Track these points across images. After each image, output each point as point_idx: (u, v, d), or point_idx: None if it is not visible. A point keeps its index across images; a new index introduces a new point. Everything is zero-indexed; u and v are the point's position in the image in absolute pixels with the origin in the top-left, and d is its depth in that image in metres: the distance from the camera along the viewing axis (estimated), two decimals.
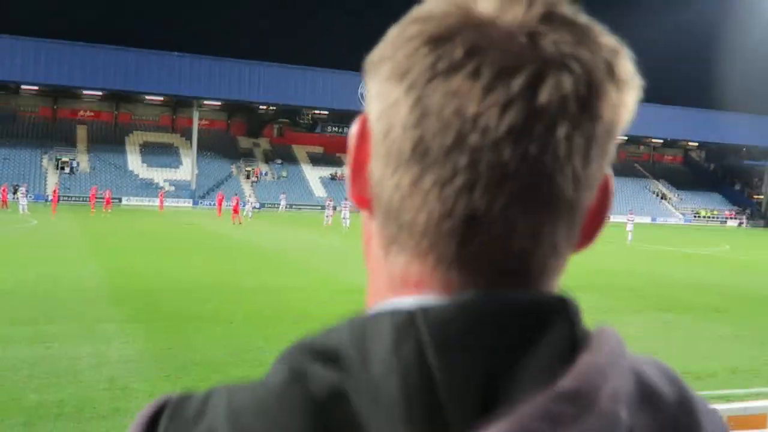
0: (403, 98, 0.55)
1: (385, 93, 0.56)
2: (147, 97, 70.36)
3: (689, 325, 13.83)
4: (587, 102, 0.54)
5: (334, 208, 46.42)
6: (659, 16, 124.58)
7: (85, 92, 68.25)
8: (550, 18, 0.55)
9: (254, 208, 49.89)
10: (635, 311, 15.16)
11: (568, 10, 0.57)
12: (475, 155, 0.52)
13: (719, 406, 6.49)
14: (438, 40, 0.54)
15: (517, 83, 0.52)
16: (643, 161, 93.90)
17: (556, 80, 0.53)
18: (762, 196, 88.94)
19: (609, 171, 0.64)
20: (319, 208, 62.49)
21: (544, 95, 0.52)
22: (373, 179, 0.59)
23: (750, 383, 9.55)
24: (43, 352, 9.27)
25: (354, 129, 0.63)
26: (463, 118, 0.52)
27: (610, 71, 0.56)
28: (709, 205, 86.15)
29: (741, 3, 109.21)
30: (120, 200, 59.73)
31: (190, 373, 8.52)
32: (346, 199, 47.59)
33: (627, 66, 0.58)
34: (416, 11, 0.58)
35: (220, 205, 50.38)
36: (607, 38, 0.58)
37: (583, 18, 0.58)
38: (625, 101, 0.58)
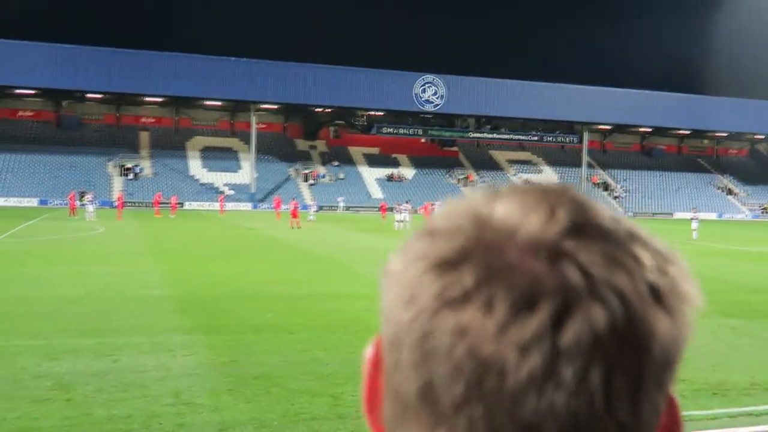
0: (407, 330, 0.49)
1: (394, 318, 0.50)
2: (206, 102, 71.72)
3: (757, 331, 13.40)
4: (629, 338, 0.46)
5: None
6: (715, 7, 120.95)
7: (146, 98, 69.97)
8: (579, 230, 0.49)
9: (315, 210, 50.34)
10: (701, 316, 14.71)
11: (600, 215, 0.52)
12: (492, 407, 0.45)
13: None
14: (446, 265, 0.48)
15: (538, 319, 0.45)
16: (707, 155, 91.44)
17: (585, 314, 0.46)
18: None
19: (672, 393, 0.55)
20: (375, 210, 62.58)
21: (570, 333, 0.45)
22: (386, 422, 0.53)
23: None
24: (110, 365, 9.53)
25: (367, 353, 0.55)
26: (476, 360, 0.45)
27: (657, 296, 0.49)
28: None
29: None
30: (182, 204, 61.04)
31: (252, 386, 8.65)
32: (407, 202, 47.65)
33: (678, 286, 0.51)
34: (430, 220, 0.53)
35: (278, 208, 51.05)
36: (650, 252, 0.51)
37: (621, 223, 0.52)
38: (681, 325, 0.51)
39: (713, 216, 73.63)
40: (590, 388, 0.45)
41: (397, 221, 40.35)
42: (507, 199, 0.52)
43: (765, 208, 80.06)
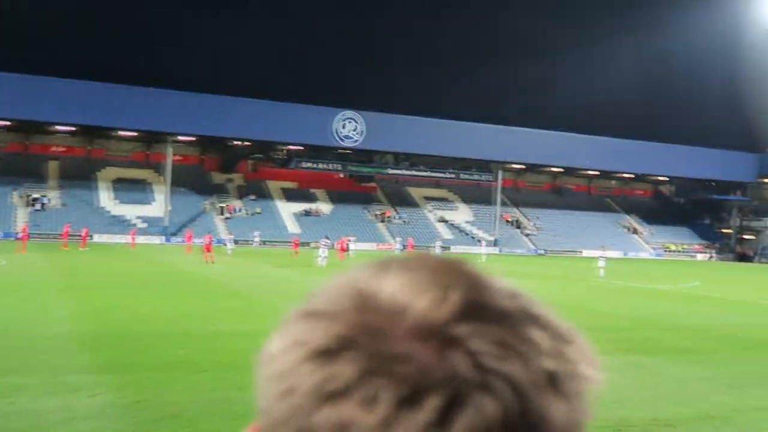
0: (284, 424, 0.45)
1: (270, 409, 0.47)
2: (120, 132, 70.06)
3: (660, 368, 13.93)
4: (523, 429, 0.44)
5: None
6: (626, 52, 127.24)
7: (57, 127, 67.82)
8: (472, 312, 0.46)
9: (231, 246, 49.26)
10: (605, 353, 15.19)
11: (496, 293, 0.49)
12: None
13: None
14: (326, 354, 0.45)
15: (424, 414, 0.42)
16: (614, 195, 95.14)
17: (475, 408, 0.43)
18: (730, 230, 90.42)
19: None
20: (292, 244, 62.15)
21: (459, 429, 0.42)
22: None
23: (720, 431, 9.62)
24: (7, 407, 9.09)
25: None
26: None
27: (553, 383, 0.47)
28: (678, 239, 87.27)
29: (711, 39, 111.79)
30: (91, 236, 59.07)
31: (160, 427, 8.41)
32: (327, 237, 47.58)
33: (577, 369, 0.49)
34: (311, 298, 0.50)
35: (189, 242, 50.03)
36: (548, 333, 0.49)
37: (518, 301, 0.50)
38: (580, 408, 0.49)
39: (619, 254, 76.45)
40: None
41: (320, 257, 40.26)
42: (396, 276, 0.48)
43: (667, 247, 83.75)
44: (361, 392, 0.42)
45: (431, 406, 0.42)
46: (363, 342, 0.44)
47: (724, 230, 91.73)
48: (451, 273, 0.49)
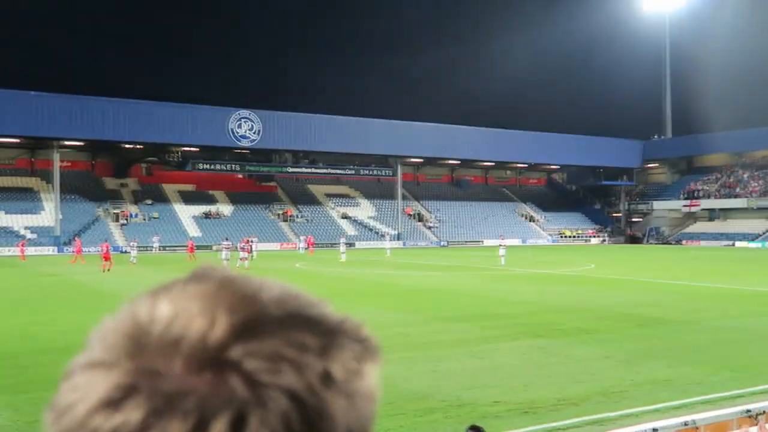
0: None
1: None
2: (1, 139, 66.50)
3: (562, 349, 14.45)
4: (307, 429, 0.48)
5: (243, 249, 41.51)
6: (520, 44, 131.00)
7: None
8: (242, 332, 0.49)
9: (135, 252, 47.06)
10: (511, 338, 15.69)
11: (264, 302, 0.52)
12: None
13: None
14: (111, 405, 0.46)
15: None
16: (510, 185, 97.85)
17: (258, 424, 0.46)
18: (620, 214, 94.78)
19: None
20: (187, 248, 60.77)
21: None
22: None
23: (619, 405, 10.09)
24: None
25: None
26: None
27: (328, 383, 0.50)
28: (573, 224, 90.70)
29: (599, 31, 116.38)
30: None
31: None
32: (226, 239, 46.70)
33: (349, 363, 0.52)
34: (89, 346, 0.51)
35: (78, 252, 47.54)
36: (317, 334, 0.52)
37: (286, 305, 0.52)
38: (362, 397, 0.52)
39: (518, 242, 78.70)
40: None
41: (223, 260, 39.05)
42: (167, 305, 0.50)
43: (562, 233, 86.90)
44: (154, 430, 0.44)
45: (218, 429, 0.45)
46: (143, 386, 0.46)
47: (615, 214, 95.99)
48: (219, 293, 0.51)
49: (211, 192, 76.02)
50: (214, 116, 67.46)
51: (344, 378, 0.51)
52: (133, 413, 0.45)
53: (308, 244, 60.36)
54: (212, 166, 73.06)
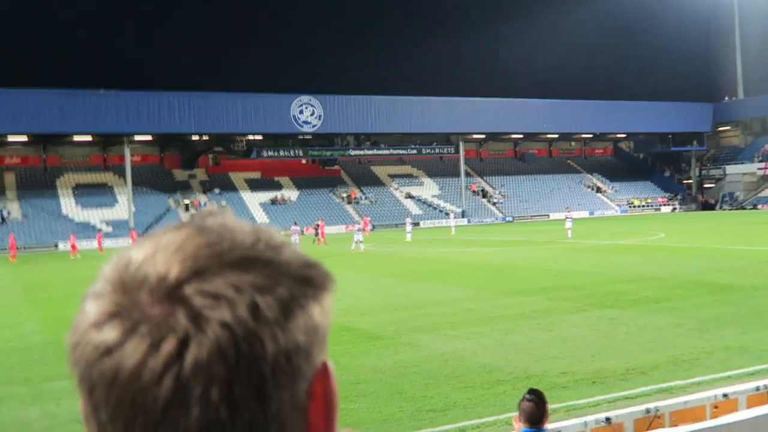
0: (82, 379, 0.64)
1: (78, 372, 0.65)
2: (75, 138, 68.90)
3: (631, 319, 14.29)
4: (239, 357, 0.60)
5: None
6: (575, 8, 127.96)
7: (10, 138, 66.48)
8: (197, 271, 0.62)
9: None
10: (579, 310, 15.58)
11: (225, 246, 0.65)
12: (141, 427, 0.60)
13: (662, 403, 6.81)
14: (99, 325, 0.62)
15: (164, 353, 0.59)
16: (576, 156, 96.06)
17: (197, 347, 0.59)
18: (691, 180, 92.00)
19: (325, 362, 0.69)
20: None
21: (189, 362, 0.59)
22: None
23: (690, 374, 9.96)
24: None
25: None
26: (129, 393, 0.60)
27: (258, 316, 0.61)
28: (642, 193, 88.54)
29: None
30: (56, 245, 58.27)
31: None
32: (295, 224, 47.47)
33: (285, 300, 0.64)
34: (97, 279, 0.67)
35: (74, 248, 47.35)
36: (259, 274, 0.64)
37: (242, 248, 0.65)
38: (293, 328, 0.64)
39: (585, 214, 77.38)
40: (214, 402, 0.59)
41: (355, 242, 38.28)
42: (145, 249, 0.65)
43: (631, 203, 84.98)
44: (125, 346, 0.60)
45: (167, 348, 0.59)
46: (120, 313, 0.62)
47: (686, 181, 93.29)
48: (189, 240, 0.65)
49: (276, 178, 77.16)
50: (276, 103, 68.34)
51: (273, 312, 0.62)
52: (110, 333, 0.61)
53: (364, 224, 55.77)
54: (277, 153, 74.11)
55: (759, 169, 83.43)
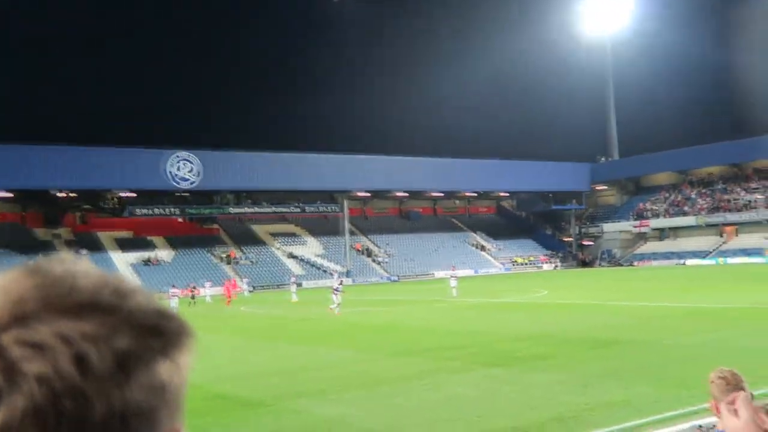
0: None
1: None
2: None
3: (517, 377, 14.56)
4: (58, 415, 0.53)
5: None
6: (464, 68, 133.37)
7: None
8: (19, 320, 0.55)
9: None
10: (465, 369, 15.74)
11: (54, 292, 0.57)
12: None
13: None
14: None
15: None
16: (460, 215, 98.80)
17: (7, 405, 0.52)
18: (571, 238, 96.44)
19: None
20: None
21: (1, 422, 0.52)
22: None
23: (575, 429, 10.19)
24: None
25: None
26: None
27: (82, 366, 0.54)
28: (525, 251, 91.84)
29: (540, 58, 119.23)
30: None
31: None
32: (173, 287, 46.05)
33: (116, 344, 0.56)
34: None
35: None
36: (96, 322, 0.56)
37: (74, 294, 0.57)
38: (138, 380, 0.57)
39: (470, 272, 79.25)
40: None
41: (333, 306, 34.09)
42: None
43: (514, 261, 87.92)
44: None
45: None
46: None
47: (566, 239, 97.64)
48: (19, 277, 0.58)
49: (150, 237, 74.89)
50: (150, 159, 66.79)
51: (105, 365, 0.55)
52: None
53: (230, 286, 51.76)
54: (151, 211, 72.13)
55: (634, 227, 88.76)
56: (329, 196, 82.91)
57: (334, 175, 76.35)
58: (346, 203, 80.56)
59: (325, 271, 75.40)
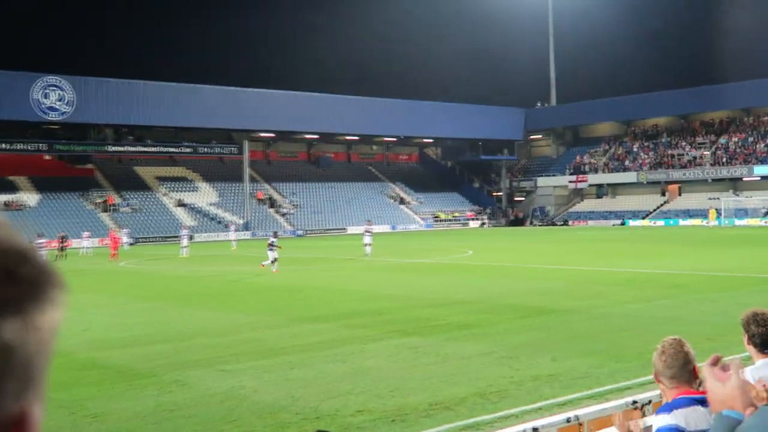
0: None
1: None
2: None
3: (436, 348, 14.81)
4: None
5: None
6: (371, 10, 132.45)
7: None
8: None
9: None
10: (378, 338, 15.91)
11: None
12: None
13: None
14: None
15: None
16: (378, 162, 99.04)
17: None
18: (501, 193, 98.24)
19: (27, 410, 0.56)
20: None
21: None
22: None
23: (498, 407, 10.46)
24: None
25: None
26: None
27: None
28: (449, 206, 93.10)
29: None
30: None
31: None
32: (40, 235, 44.75)
33: None
34: None
35: None
36: None
37: None
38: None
39: (387, 228, 79.92)
40: None
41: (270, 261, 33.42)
42: None
43: (437, 217, 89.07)
44: None
45: None
46: None
47: (496, 193, 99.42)
48: None
49: (10, 178, 72.24)
50: (13, 83, 64.07)
51: None
52: None
53: (111, 239, 49.96)
54: (12, 146, 69.48)
55: (570, 182, 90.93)
56: (227, 136, 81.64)
57: (234, 111, 75.04)
58: (246, 145, 79.46)
59: (220, 222, 74.65)
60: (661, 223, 78.19)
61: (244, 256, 44.88)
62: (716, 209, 74.03)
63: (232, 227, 63.71)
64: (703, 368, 2.60)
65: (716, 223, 72.29)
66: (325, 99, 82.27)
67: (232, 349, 15.13)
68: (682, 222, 76.61)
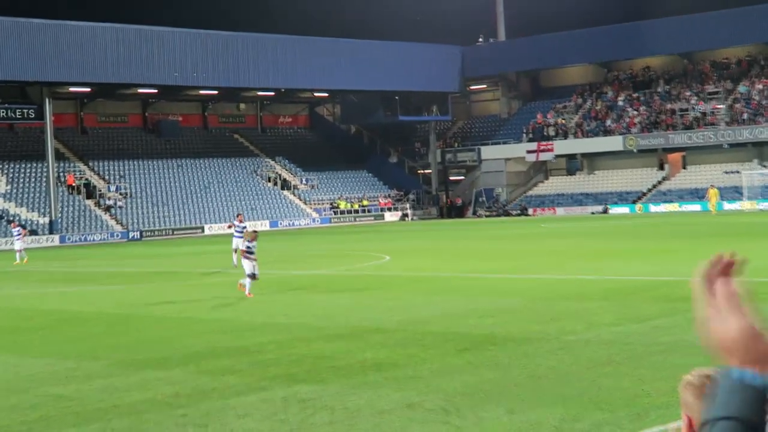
0: None
1: None
2: None
3: (339, 399, 14.70)
4: None
5: None
6: None
7: None
8: None
9: None
10: (251, 389, 15.73)
11: None
12: None
13: None
14: None
15: None
16: (248, 129, 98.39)
17: None
18: (430, 171, 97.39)
19: None
20: None
21: None
22: None
23: None
24: None
25: None
26: None
27: None
28: (355, 191, 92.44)
29: None
30: None
31: None
32: None
33: None
34: None
35: None
36: None
37: None
38: None
39: (265, 225, 79.37)
40: None
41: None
42: None
43: (336, 207, 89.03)
44: None
45: None
46: None
47: (422, 171, 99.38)
48: None
49: None
50: None
51: None
52: None
53: None
54: None
55: (529, 152, 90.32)
56: (19, 91, 79.96)
57: (29, 55, 73.40)
58: (49, 105, 77.85)
59: (11, 221, 73.01)
60: (658, 208, 79.15)
61: (48, 274, 44.03)
62: (717, 188, 73.66)
63: (16, 231, 59.97)
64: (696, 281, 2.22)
65: (718, 208, 72.19)
66: (167, 34, 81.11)
67: (29, 414, 14.74)
68: (686, 207, 77.55)
